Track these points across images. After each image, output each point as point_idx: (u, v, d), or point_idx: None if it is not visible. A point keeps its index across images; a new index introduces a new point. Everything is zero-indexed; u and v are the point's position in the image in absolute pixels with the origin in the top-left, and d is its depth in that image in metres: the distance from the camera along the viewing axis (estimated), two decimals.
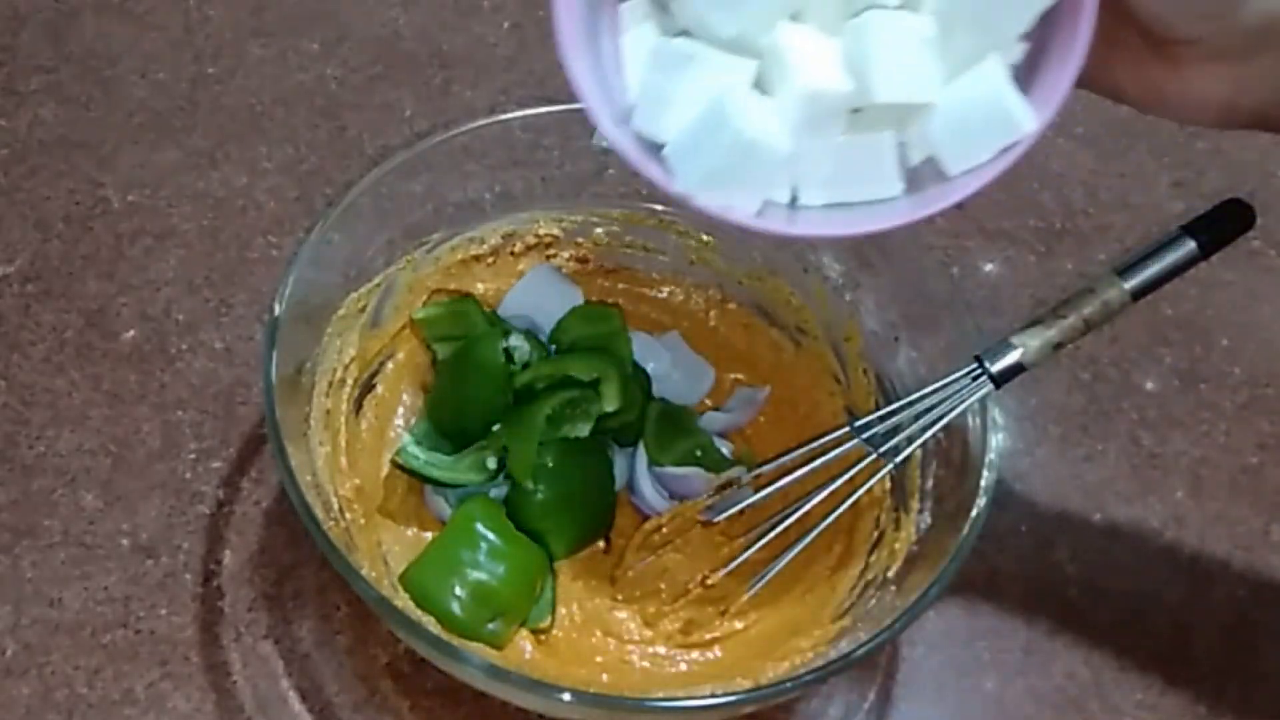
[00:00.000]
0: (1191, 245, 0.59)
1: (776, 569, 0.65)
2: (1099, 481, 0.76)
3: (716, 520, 0.67)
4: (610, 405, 0.67)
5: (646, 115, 0.49)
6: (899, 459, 0.62)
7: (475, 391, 0.68)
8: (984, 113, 0.47)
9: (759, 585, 0.66)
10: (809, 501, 0.64)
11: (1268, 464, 0.78)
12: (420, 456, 0.67)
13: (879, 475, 0.63)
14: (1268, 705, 0.69)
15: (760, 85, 0.49)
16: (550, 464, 0.66)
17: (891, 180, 0.49)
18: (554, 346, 0.72)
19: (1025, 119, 0.47)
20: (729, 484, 0.68)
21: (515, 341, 0.69)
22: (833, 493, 0.63)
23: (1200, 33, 0.47)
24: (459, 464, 0.67)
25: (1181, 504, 0.76)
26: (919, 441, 0.61)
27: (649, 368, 0.73)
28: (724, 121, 0.47)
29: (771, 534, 0.64)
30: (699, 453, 0.70)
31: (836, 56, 0.47)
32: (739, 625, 0.67)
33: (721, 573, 0.67)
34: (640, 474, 0.69)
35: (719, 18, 0.48)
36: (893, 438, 0.63)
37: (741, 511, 0.68)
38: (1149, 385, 0.81)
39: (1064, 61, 0.47)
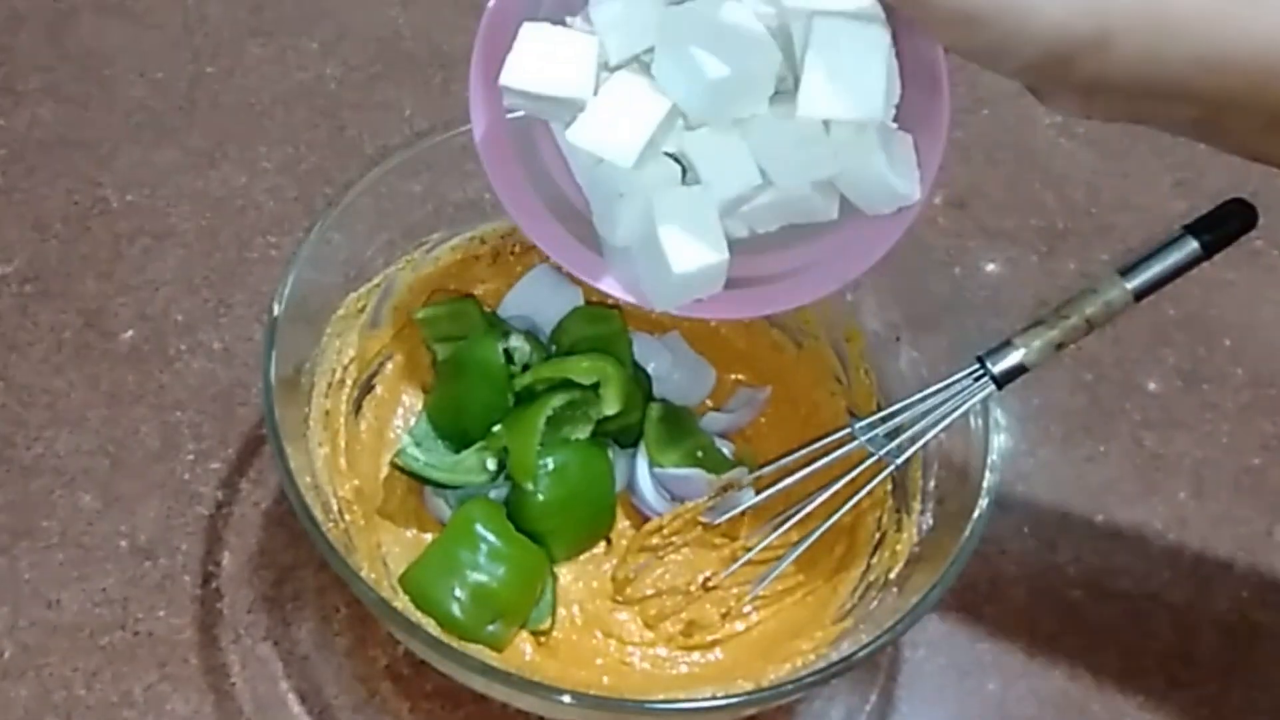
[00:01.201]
0: (1194, 245, 0.59)
1: (778, 570, 0.65)
2: (1101, 482, 0.76)
3: (717, 522, 0.67)
4: (610, 408, 0.67)
5: (604, 228, 0.59)
6: (901, 460, 0.62)
7: (475, 392, 0.68)
8: (876, 187, 0.55)
9: (760, 587, 0.66)
10: (810, 503, 0.63)
11: (1271, 465, 0.78)
12: (420, 458, 0.67)
13: (881, 476, 0.63)
14: (1270, 707, 0.69)
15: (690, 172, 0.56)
16: (550, 466, 0.66)
17: (825, 207, 0.57)
18: (554, 347, 0.71)
19: (911, 192, 0.54)
20: (730, 485, 0.68)
21: (515, 342, 0.69)
22: (834, 494, 0.63)
23: (1041, 88, 0.50)
24: (459, 465, 0.67)
25: (1184, 505, 0.76)
26: (921, 443, 0.61)
27: (649, 368, 0.72)
28: (667, 267, 0.55)
29: (773, 535, 0.64)
30: (700, 454, 0.69)
31: (739, 151, 0.54)
32: (740, 627, 0.67)
33: (723, 574, 0.67)
34: (641, 475, 0.69)
35: (617, 167, 0.54)
36: (894, 439, 0.63)
37: (743, 513, 0.67)
38: (1151, 386, 0.80)
39: (934, 136, 0.54)
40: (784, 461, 0.67)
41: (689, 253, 0.55)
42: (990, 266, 0.85)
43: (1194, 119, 0.50)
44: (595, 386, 0.67)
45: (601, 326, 0.71)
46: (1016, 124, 0.91)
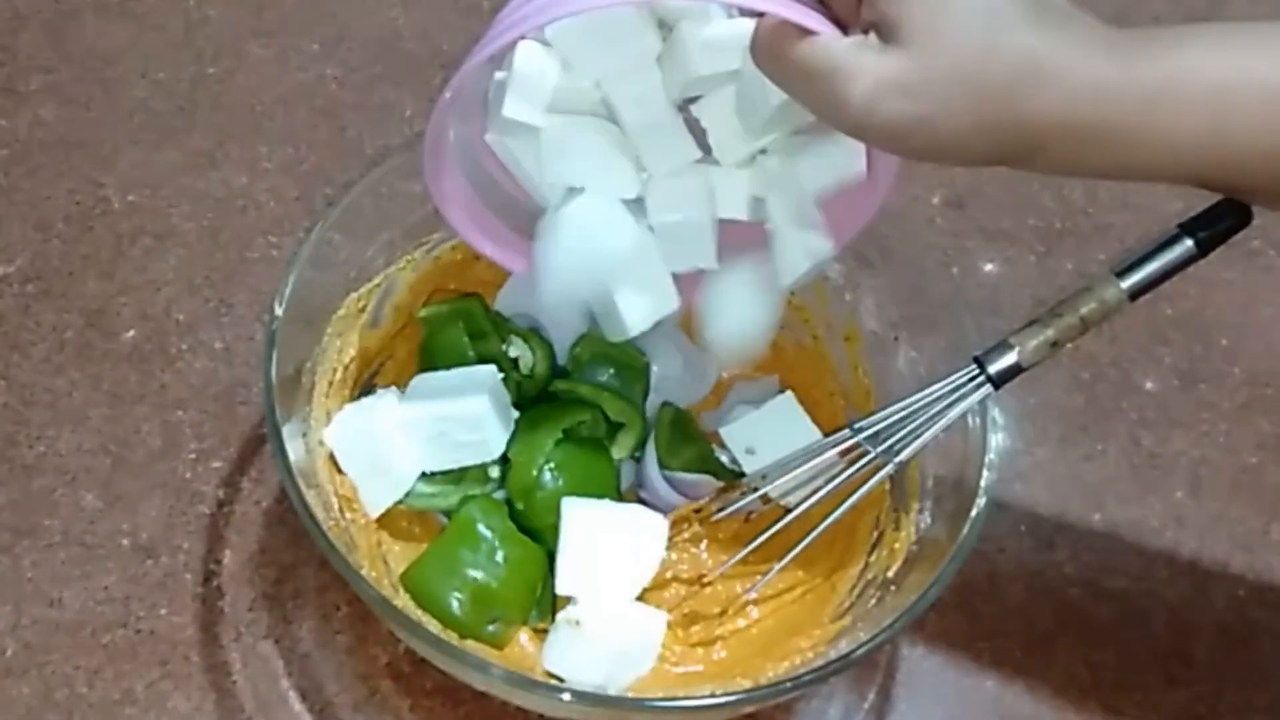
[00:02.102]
0: (1189, 244, 0.59)
1: (777, 569, 0.65)
2: (1099, 481, 0.77)
3: (717, 519, 0.67)
4: (620, 452, 0.68)
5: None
6: (899, 460, 0.62)
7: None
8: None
9: (760, 585, 0.66)
10: (809, 502, 0.64)
11: (1267, 464, 0.78)
12: (426, 491, 0.66)
13: (879, 477, 0.63)
14: (1267, 705, 0.69)
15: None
16: (552, 464, 0.66)
17: None
18: (567, 361, 0.72)
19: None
20: (731, 488, 0.68)
21: (516, 351, 0.69)
22: (833, 493, 0.63)
23: None
24: (463, 485, 0.67)
25: (1181, 504, 0.76)
26: (919, 444, 0.61)
27: (655, 369, 0.72)
28: (621, 324, 0.63)
29: (771, 533, 0.64)
30: (703, 460, 0.70)
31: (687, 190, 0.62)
32: (739, 625, 0.67)
33: (718, 571, 0.67)
34: (652, 471, 0.69)
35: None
36: (893, 438, 0.63)
37: (743, 511, 0.67)
38: (1149, 385, 0.81)
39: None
40: (783, 461, 0.67)
41: (642, 310, 0.63)
42: (988, 266, 0.85)
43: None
44: (606, 415, 0.68)
45: (625, 355, 0.71)
46: None
